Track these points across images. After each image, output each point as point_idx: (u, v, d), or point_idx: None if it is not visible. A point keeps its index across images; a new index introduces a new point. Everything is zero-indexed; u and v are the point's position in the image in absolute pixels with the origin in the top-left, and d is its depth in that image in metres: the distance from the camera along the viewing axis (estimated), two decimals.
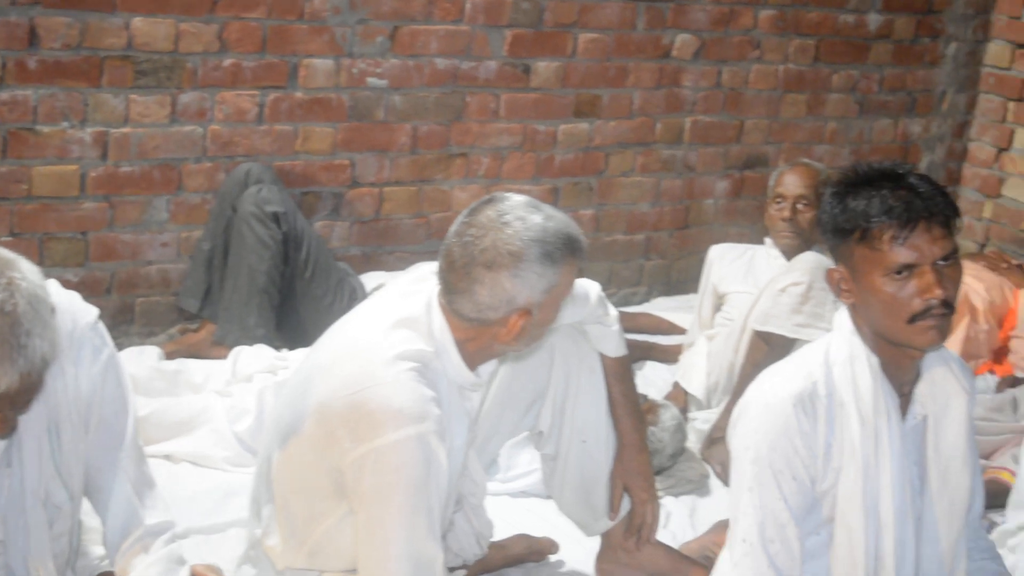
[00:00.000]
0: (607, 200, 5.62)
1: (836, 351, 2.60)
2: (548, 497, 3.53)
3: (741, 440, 2.60)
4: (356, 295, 4.64)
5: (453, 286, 2.65)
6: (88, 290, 4.49)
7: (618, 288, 5.76)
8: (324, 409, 2.64)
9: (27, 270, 2.29)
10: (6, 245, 3.10)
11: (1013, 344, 5.32)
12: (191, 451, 3.86)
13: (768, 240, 4.69)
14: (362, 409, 2.57)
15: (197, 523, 3.48)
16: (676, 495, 3.97)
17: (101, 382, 2.62)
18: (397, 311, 2.72)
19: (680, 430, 4.07)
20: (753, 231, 5.92)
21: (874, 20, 6.13)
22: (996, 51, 6.59)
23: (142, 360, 4.23)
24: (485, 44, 5.10)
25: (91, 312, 2.63)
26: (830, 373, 2.59)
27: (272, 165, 4.72)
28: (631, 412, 3.24)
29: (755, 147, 5.96)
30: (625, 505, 3.29)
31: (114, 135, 4.48)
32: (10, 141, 4.33)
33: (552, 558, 3.53)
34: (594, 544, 3.42)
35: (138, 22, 4.42)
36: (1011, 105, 6.57)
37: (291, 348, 4.36)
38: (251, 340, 4.37)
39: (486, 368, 2.85)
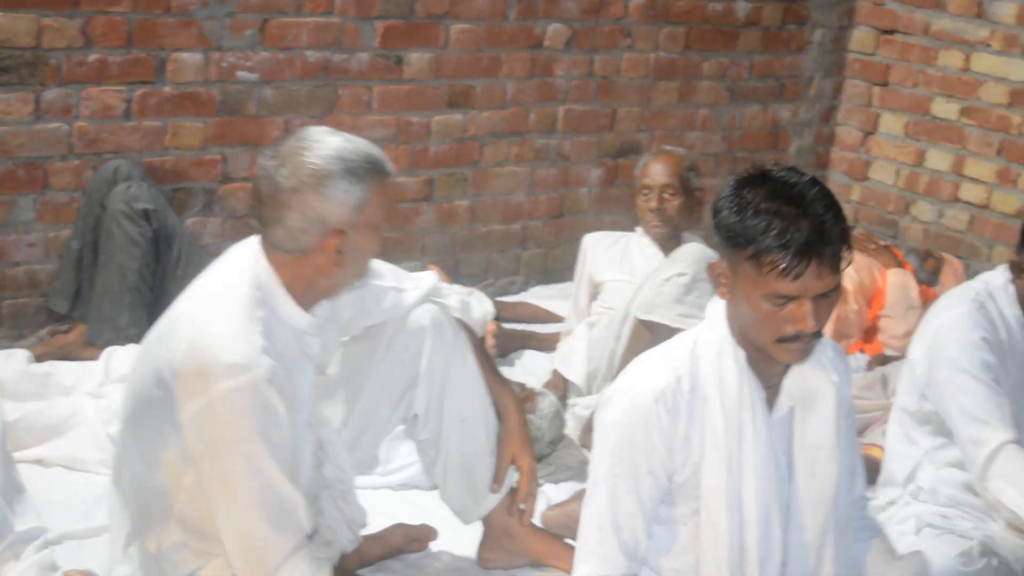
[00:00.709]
0: (482, 190, 5.62)
1: (705, 343, 2.63)
2: (430, 488, 3.53)
3: (602, 430, 2.63)
4: None
5: (266, 219, 2.70)
6: None
7: (496, 278, 5.77)
8: (160, 374, 2.64)
9: None
10: None
11: (882, 323, 5.45)
12: (63, 455, 3.78)
13: (639, 228, 4.73)
14: (192, 365, 2.58)
15: (71, 528, 3.41)
16: (556, 482, 3.99)
17: None
18: (221, 269, 2.77)
19: (558, 417, 4.10)
20: (627, 218, 5.95)
21: (742, 8, 6.22)
22: (860, 37, 6.73)
23: (10, 363, 4.14)
24: (356, 36, 5.07)
25: None
26: (696, 366, 2.61)
27: (141, 161, 4.64)
28: (506, 385, 3.28)
29: (628, 135, 6.01)
30: (509, 481, 3.31)
31: None
32: None
33: (433, 547, 3.52)
34: (474, 532, 3.43)
35: None
36: (876, 90, 6.72)
37: None
38: (123, 340, 4.30)
39: (324, 311, 2.86)
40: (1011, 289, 3.39)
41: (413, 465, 3.77)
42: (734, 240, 2.48)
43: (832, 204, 2.47)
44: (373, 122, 5.18)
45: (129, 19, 4.55)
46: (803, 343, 2.52)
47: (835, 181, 6.85)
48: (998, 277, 3.44)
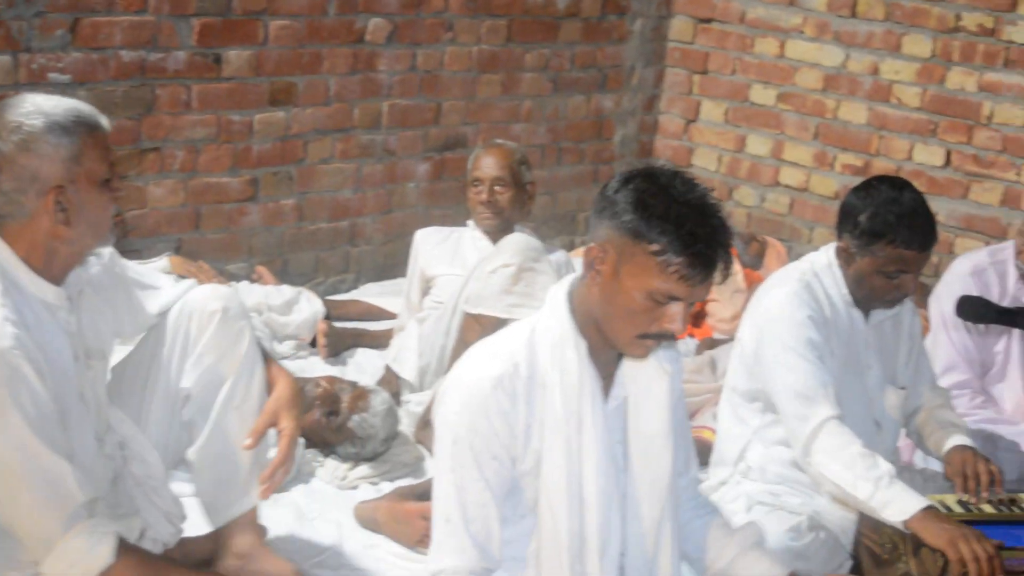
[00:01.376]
0: (309, 188, 5.56)
1: (544, 332, 2.63)
2: None
3: (443, 421, 2.61)
4: None
5: None
6: None
7: (325, 276, 5.71)
8: None
9: None
10: None
11: (709, 307, 5.55)
12: None
13: (471, 222, 4.73)
14: None
15: None
16: (392, 480, 3.97)
17: None
18: None
19: (391, 414, 4.07)
20: (456, 212, 5.96)
21: None
22: (679, 26, 6.84)
23: None
24: (172, 34, 4.95)
25: None
26: (534, 354, 2.61)
27: None
28: (282, 368, 3.18)
29: (453, 128, 6.00)
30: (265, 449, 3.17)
31: None
32: None
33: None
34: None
35: None
36: (696, 78, 6.83)
37: None
38: None
39: (75, 283, 2.81)
40: (835, 269, 3.48)
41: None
42: (637, 234, 2.46)
43: (725, 220, 2.52)
44: (193, 122, 5.08)
45: None
46: (658, 342, 2.57)
47: None
48: (822, 257, 3.52)
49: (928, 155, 6.14)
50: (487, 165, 4.60)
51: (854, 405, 3.43)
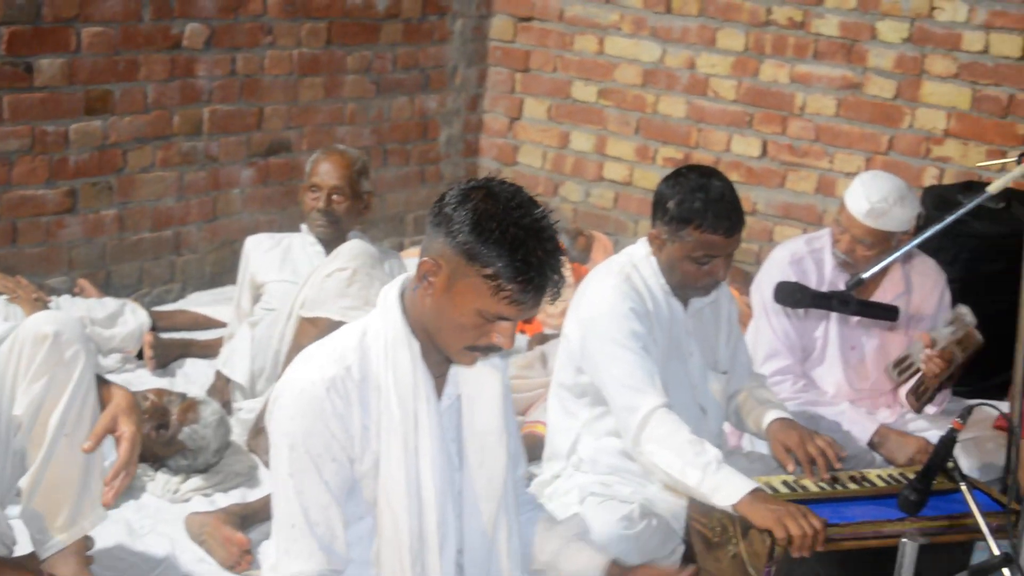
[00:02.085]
0: (130, 198, 5.44)
1: (376, 334, 2.63)
2: None
3: (278, 427, 2.60)
4: None
5: None
6: None
7: (151, 287, 5.60)
8: None
9: None
10: None
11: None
12: None
13: (304, 227, 4.69)
14: None
15: None
16: (225, 490, 3.92)
17: None
18: None
19: (223, 424, 4.02)
20: (283, 217, 5.92)
21: (382, 1, 6.25)
22: (500, 25, 6.89)
23: None
24: None
25: None
26: (366, 356, 2.61)
27: None
28: (114, 384, 3.10)
29: (277, 133, 5.94)
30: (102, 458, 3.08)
31: None
32: None
33: None
34: None
35: None
36: (518, 76, 6.89)
37: None
38: None
39: None
40: (653, 260, 3.54)
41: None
42: (472, 256, 2.46)
43: (559, 244, 2.54)
44: (5, 133, 4.93)
45: None
46: (486, 354, 2.60)
47: (486, 168, 7.01)
48: (640, 249, 3.58)
49: (745, 146, 6.30)
50: (326, 172, 4.55)
51: (679, 392, 3.51)
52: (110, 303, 4.93)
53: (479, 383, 2.74)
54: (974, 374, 4.58)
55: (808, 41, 6.07)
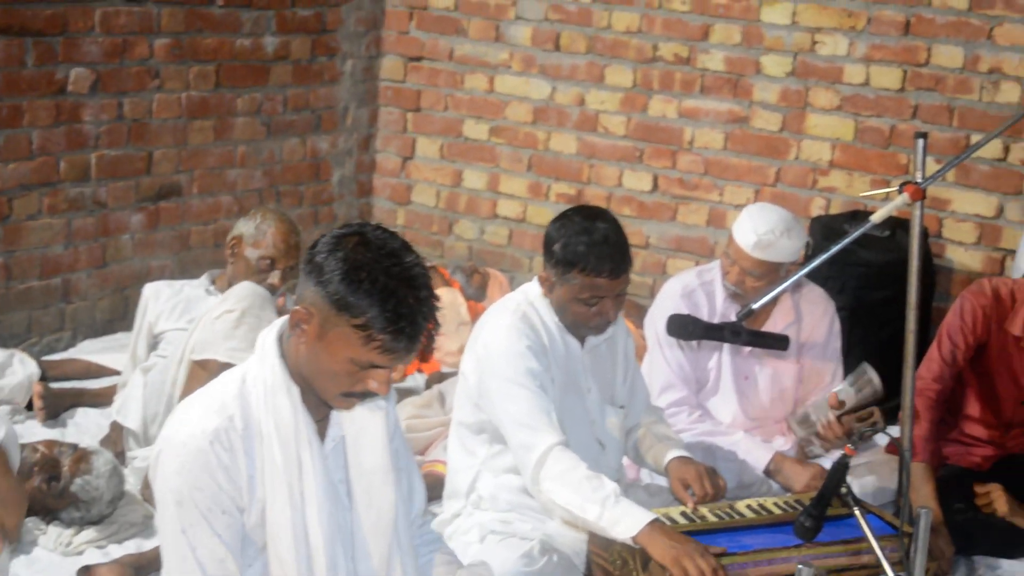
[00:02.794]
0: (16, 246, 5.34)
1: (255, 380, 2.61)
2: None
3: (164, 483, 2.55)
4: None
5: None
6: None
7: (40, 336, 5.49)
8: None
9: None
10: None
11: (437, 341, 5.59)
12: None
13: (206, 276, 4.62)
14: None
15: None
16: (120, 541, 3.86)
17: None
18: None
19: (116, 474, 3.96)
20: (175, 262, 5.86)
21: (271, 42, 6.23)
22: (390, 65, 6.90)
23: None
24: None
25: None
26: (247, 404, 2.59)
27: None
28: None
29: (166, 177, 5.88)
30: None
31: None
32: None
33: None
34: None
35: None
36: (410, 116, 6.91)
37: None
38: None
39: None
40: (548, 299, 3.56)
41: None
42: (342, 306, 2.45)
43: (432, 292, 2.53)
44: None
45: None
46: (362, 399, 2.59)
47: (379, 207, 7.00)
48: (535, 287, 3.60)
49: (636, 181, 6.37)
50: (282, 244, 4.46)
51: (577, 428, 3.52)
52: None
53: (362, 424, 2.72)
54: None
55: (695, 76, 6.17)
